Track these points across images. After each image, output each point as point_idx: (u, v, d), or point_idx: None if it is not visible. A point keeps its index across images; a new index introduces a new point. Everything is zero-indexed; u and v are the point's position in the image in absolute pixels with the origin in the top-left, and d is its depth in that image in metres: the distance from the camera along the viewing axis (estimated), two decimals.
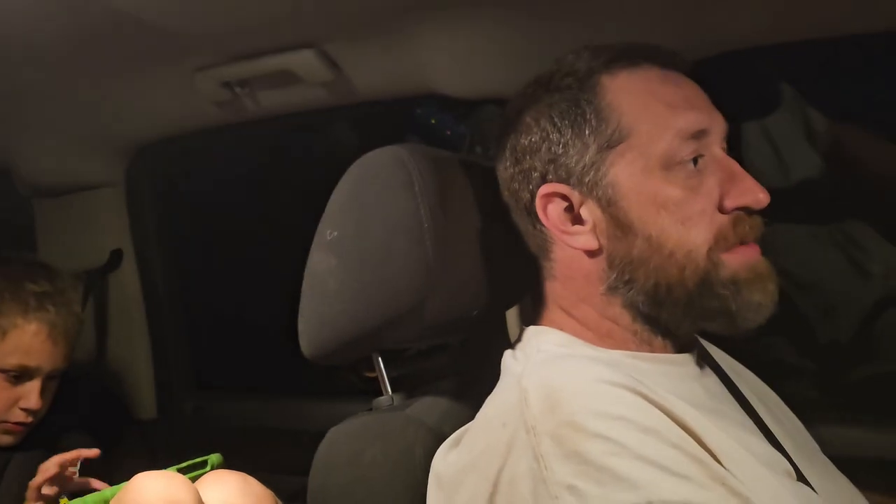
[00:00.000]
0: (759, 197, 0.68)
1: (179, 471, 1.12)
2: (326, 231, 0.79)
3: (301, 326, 0.79)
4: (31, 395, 1.19)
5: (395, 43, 1.12)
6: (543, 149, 0.72)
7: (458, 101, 1.20)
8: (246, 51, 1.16)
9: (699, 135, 0.69)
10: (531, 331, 0.75)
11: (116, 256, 1.54)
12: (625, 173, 0.69)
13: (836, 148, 1.46)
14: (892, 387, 1.32)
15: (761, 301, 0.69)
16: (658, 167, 0.68)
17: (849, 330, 1.38)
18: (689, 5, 0.96)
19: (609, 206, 0.69)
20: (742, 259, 0.69)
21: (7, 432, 1.20)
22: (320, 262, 0.78)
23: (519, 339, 0.77)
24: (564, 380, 0.61)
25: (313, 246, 0.80)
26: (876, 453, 1.06)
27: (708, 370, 0.77)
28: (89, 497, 1.06)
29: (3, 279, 1.20)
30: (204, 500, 1.05)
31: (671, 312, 0.70)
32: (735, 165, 0.70)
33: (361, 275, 0.75)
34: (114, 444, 1.18)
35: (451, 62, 1.13)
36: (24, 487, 1.19)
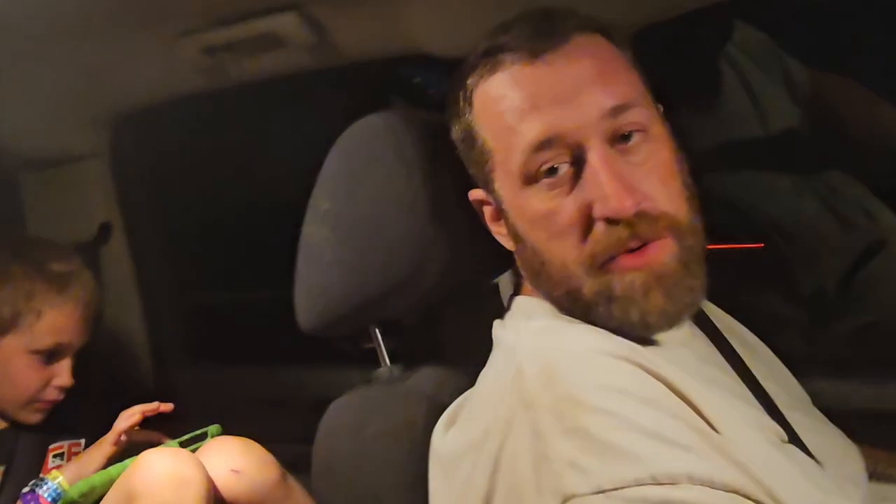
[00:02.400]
0: (613, 206, 0.60)
1: (181, 444, 1.12)
2: (319, 202, 0.78)
3: (297, 299, 0.78)
4: (63, 373, 1.21)
5: (380, 2, 1.08)
6: (459, 150, 0.73)
7: (442, 60, 1.16)
8: (229, 15, 1.13)
9: (550, 143, 0.62)
10: (520, 301, 0.74)
11: (106, 230, 1.52)
12: (503, 190, 0.68)
13: (814, 98, 1.45)
14: (879, 337, 1.33)
15: (657, 307, 0.62)
16: (520, 184, 0.65)
17: (834, 277, 1.38)
18: None
19: (505, 217, 0.70)
20: (622, 276, 0.62)
21: (38, 411, 1.21)
22: (314, 234, 0.77)
23: (507, 308, 0.75)
24: (559, 351, 0.60)
25: (306, 218, 0.79)
26: (865, 405, 1.07)
27: (698, 331, 0.76)
28: (96, 476, 1.07)
29: (28, 262, 1.21)
30: (208, 467, 1.05)
31: (587, 317, 0.66)
32: (602, 169, 0.61)
33: (356, 245, 0.74)
34: (112, 419, 1.17)
35: (435, 20, 1.11)
36: (37, 460, 1.22)
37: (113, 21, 1.15)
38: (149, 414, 1.16)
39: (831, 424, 0.81)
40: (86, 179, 1.50)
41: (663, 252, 0.63)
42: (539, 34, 0.65)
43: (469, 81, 0.69)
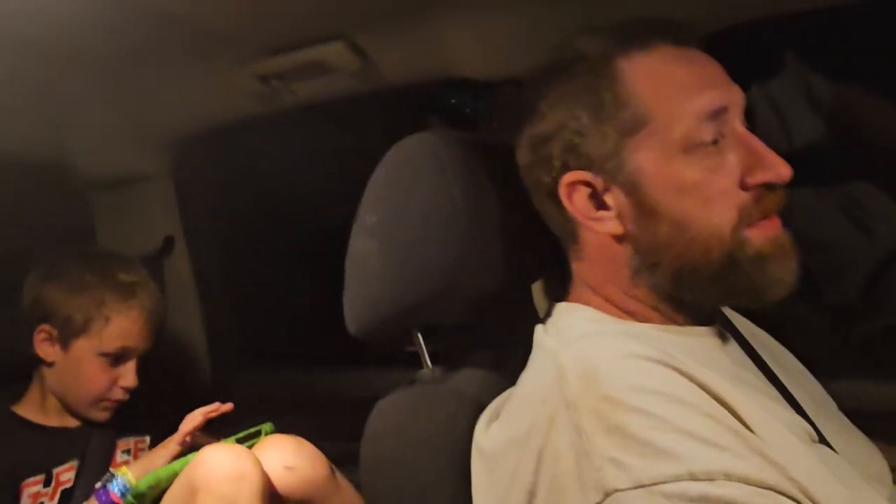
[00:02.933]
0: (781, 172, 0.64)
1: (238, 440, 1.14)
2: (366, 216, 0.78)
3: (346, 305, 0.79)
4: (129, 374, 1.22)
5: (419, 30, 1.10)
6: (561, 137, 0.68)
7: (476, 82, 1.18)
8: (281, 45, 1.15)
9: (717, 114, 0.65)
10: (561, 307, 0.74)
11: (169, 243, 1.55)
12: (646, 159, 0.65)
13: (837, 111, 1.42)
14: None
15: (784, 276, 0.66)
16: (678, 151, 0.64)
17: (856, 287, 1.35)
18: None
19: (633, 191, 0.66)
20: (765, 234, 0.66)
21: (105, 409, 1.24)
22: (361, 246, 0.78)
23: (549, 315, 0.75)
24: (599, 355, 0.60)
25: (353, 230, 0.79)
26: (887, 405, 1.05)
27: (730, 338, 0.75)
28: (161, 470, 1.09)
29: (99, 273, 1.23)
30: (263, 463, 1.07)
31: (696, 292, 0.68)
32: (756, 141, 0.66)
33: (400, 256, 0.74)
34: (175, 418, 1.20)
35: (471, 46, 1.11)
36: (107, 455, 1.25)
37: (175, 53, 1.17)
38: (211, 416, 1.18)
39: (854, 427, 0.80)
40: (150, 197, 1.54)
41: (781, 225, 0.67)
42: (676, 30, 0.68)
43: (606, 49, 0.67)
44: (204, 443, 1.16)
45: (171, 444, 1.17)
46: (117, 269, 1.25)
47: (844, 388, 0.86)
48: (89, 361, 1.20)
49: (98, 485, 1.14)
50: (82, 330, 1.20)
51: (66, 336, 1.20)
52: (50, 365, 1.22)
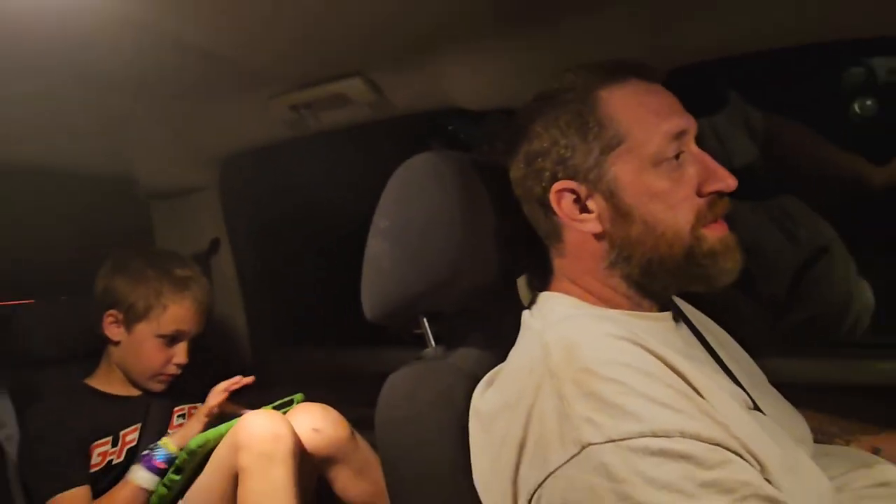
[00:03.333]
0: (729, 182, 0.67)
1: (274, 408, 1.14)
2: (379, 222, 0.78)
3: (363, 295, 0.78)
4: (181, 353, 1.22)
5: (423, 68, 1.11)
6: (553, 152, 0.69)
7: (471, 112, 1.18)
8: (308, 80, 1.16)
9: (679, 135, 0.67)
10: (545, 295, 0.74)
11: (215, 243, 1.54)
12: (623, 170, 0.66)
13: (769, 139, 1.43)
14: (817, 327, 1.30)
15: (731, 267, 0.67)
16: (649, 164, 0.66)
17: (783, 284, 1.36)
18: (658, 27, 0.94)
19: (611, 197, 0.67)
20: (716, 234, 0.67)
21: (161, 382, 1.23)
22: (375, 246, 0.77)
23: (534, 302, 0.75)
24: (578, 334, 0.60)
25: (370, 234, 0.79)
26: (809, 378, 1.05)
27: (682, 323, 0.75)
28: (211, 431, 1.08)
29: (158, 268, 1.22)
30: (295, 427, 1.07)
31: (660, 280, 0.68)
32: (708, 158, 0.68)
33: (408, 255, 0.74)
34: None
35: (466, 81, 1.12)
36: (165, 419, 1.25)
37: (222, 86, 1.18)
38: (234, 388, 1.17)
39: (782, 397, 0.80)
40: (200, 206, 1.53)
41: (728, 228, 0.69)
42: (646, 70, 0.70)
43: (589, 82, 0.69)
44: (234, 412, 1.15)
45: (201, 415, 1.16)
46: (174, 265, 1.25)
47: (773, 365, 0.86)
48: (149, 342, 1.20)
49: (145, 452, 1.14)
50: (143, 315, 1.20)
51: (130, 320, 1.20)
52: (116, 344, 1.22)
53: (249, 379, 1.18)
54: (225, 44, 0.99)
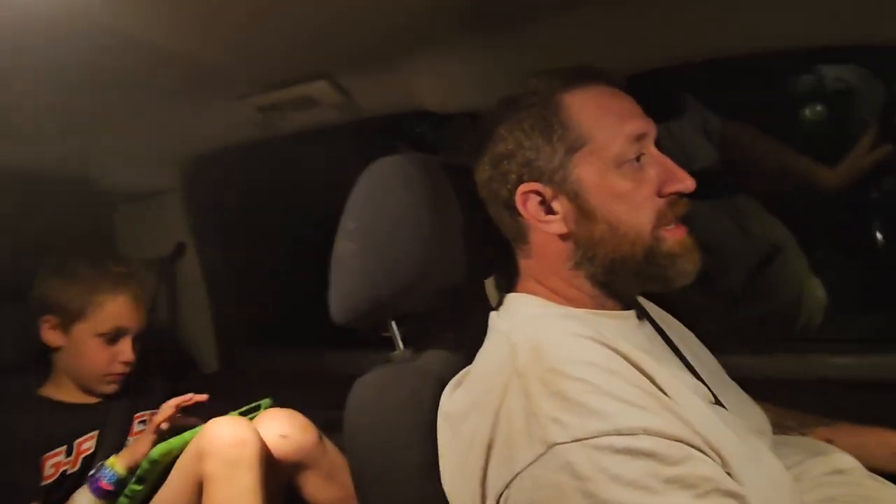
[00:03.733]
0: (688, 183, 0.68)
1: (240, 414, 1.11)
2: (347, 223, 0.77)
3: (331, 299, 0.77)
4: (125, 350, 1.18)
5: (391, 72, 1.09)
6: (518, 155, 0.69)
7: (437, 114, 1.18)
8: (276, 82, 1.14)
9: (640, 138, 0.67)
10: (511, 297, 0.73)
11: (181, 247, 1.50)
12: (587, 172, 0.67)
13: (726, 142, 1.46)
14: (773, 322, 1.33)
15: (690, 269, 0.68)
16: (612, 166, 0.66)
17: (740, 281, 1.39)
18: (619, 34, 0.95)
19: (576, 198, 0.67)
20: (675, 237, 0.68)
21: (111, 383, 1.19)
22: (343, 248, 0.76)
23: (500, 303, 0.75)
24: (545, 334, 0.60)
25: (337, 235, 0.77)
26: (765, 372, 1.07)
27: (645, 321, 0.76)
28: (175, 439, 1.05)
29: (92, 266, 1.17)
30: (262, 433, 1.05)
31: (622, 279, 0.69)
32: (668, 160, 0.69)
33: (375, 257, 0.73)
34: (185, 394, 1.15)
35: (434, 85, 1.11)
36: (124, 426, 1.20)
37: (187, 86, 1.14)
38: (185, 405, 1.12)
39: (741, 389, 0.82)
40: (164, 209, 1.50)
41: (687, 231, 0.69)
42: (606, 75, 0.71)
43: (552, 86, 0.69)
44: (188, 425, 1.11)
45: (148, 434, 1.11)
46: (109, 261, 1.20)
47: (731, 360, 0.87)
48: (89, 342, 1.16)
49: (92, 472, 1.10)
50: (78, 315, 1.15)
51: (66, 322, 1.15)
52: (58, 350, 1.17)
53: (203, 396, 1.14)
54: (191, 45, 0.96)
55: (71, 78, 1.03)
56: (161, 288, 1.48)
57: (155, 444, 1.08)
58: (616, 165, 0.66)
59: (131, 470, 1.08)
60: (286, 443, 1.09)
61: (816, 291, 1.40)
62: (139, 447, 1.09)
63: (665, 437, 0.52)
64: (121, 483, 1.07)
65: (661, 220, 0.67)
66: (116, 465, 1.08)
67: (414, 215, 0.72)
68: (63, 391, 1.19)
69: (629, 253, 0.66)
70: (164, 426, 1.10)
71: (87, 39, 0.90)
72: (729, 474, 0.54)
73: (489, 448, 0.56)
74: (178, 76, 1.09)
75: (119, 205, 1.53)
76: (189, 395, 1.13)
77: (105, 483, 1.07)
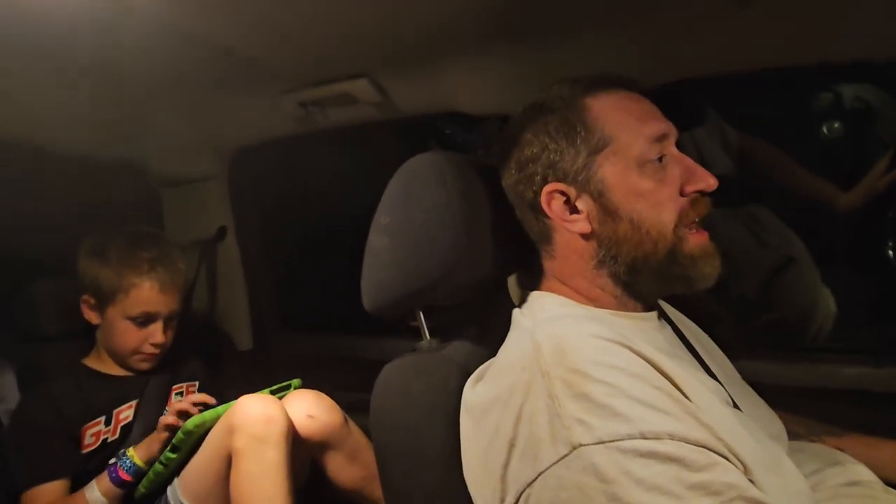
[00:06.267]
0: (710, 181, 0.65)
1: (270, 392, 1.10)
2: (380, 217, 0.75)
3: (363, 289, 0.76)
4: (156, 333, 1.14)
5: (428, 73, 1.08)
6: (543, 157, 0.67)
7: (469, 116, 1.16)
8: (317, 79, 1.13)
9: (661, 138, 0.65)
10: (535, 295, 0.71)
11: (222, 231, 1.49)
12: (610, 172, 0.65)
13: (743, 153, 1.42)
14: (785, 331, 1.29)
15: (710, 272, 0.66)
16: (634, 165, 0.64)
17: (755, 288, 1.34)
18: (647, 48, 0.93)
19: (599, 197, 0.65)
20: (697, 241, 0.65)
21: (144, 360, 1.17)
22: (376, 241, 0.75)
23: (524, 301, 0.72)
24: (568, 335, 0.58)
25: (371, 228, 0.76)
26: (774, 381, 1.03)
27: (665, 323, 0.73)
28: (207, 413, 1.04)
29: (121, 251, 1.14)
30: (290, 412, 1.03)
31: (645, 279, 0.66)
32: (689, 160, 0.66)
33: (407, 250, 0.72)
34: (220, 369, 1.14)
35: (468, 87, 1.09)
36: (162, 397, 1.20)
37: (234, 81, 1.15)
38: (198, 403, 1.08)
39: (757, 395, 0.78)
40: (209, 194, 1.49)
41: (709, 236, 0.67)
42: (626, 80, 0.69)
43: (575, 91, 0.68)
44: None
45: (159, 432, 1.08)
46: (139, 246, 1.14)
47: (746, 365, 0.84)
48: (120, 324, 1.13)
49: (112, 461, 1.08)
50: (110, 298, 1.12)
51: (101, 303, 1.14)
52: (96, 326, 1.17)
53: (211, 399, 1.10)
54: (240, 41, 0.96)
55: (130, 68, 1.03)
56: (202, 268, 1.47)
57: (166, 442, 1.06)
58: (638, 165, 0.64)
59: (149, 463, 1.06)
60: (312, 422, 1.07)
61: (827, 302, 1.35)
62: (153, 445, 1.07)
63: (689, 443, 0.49)
64: (139, 474, 1.06)
65: (683, 219, 0.64)
66: (136, 457, 1.07)
67: (446, 211, 0.70)
68: (104, 363, 1.18)
69: (651, 251, 0.64)
70: (173, 422, 1.06)
71: (145, 35, 0.90)
72: (751, 481, 0.51)
73: (511, 445, 0.54)
74: (226, 71, 1.09)
75: (167, 189, 1.53)
76: (203, 395, 1.10)
77: (124, 473, 1.05)
